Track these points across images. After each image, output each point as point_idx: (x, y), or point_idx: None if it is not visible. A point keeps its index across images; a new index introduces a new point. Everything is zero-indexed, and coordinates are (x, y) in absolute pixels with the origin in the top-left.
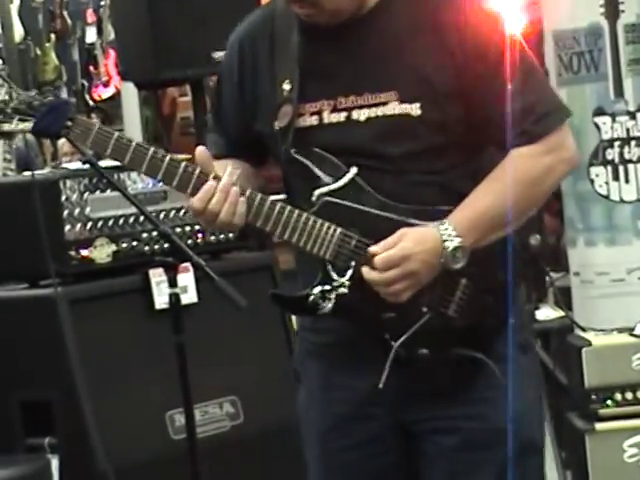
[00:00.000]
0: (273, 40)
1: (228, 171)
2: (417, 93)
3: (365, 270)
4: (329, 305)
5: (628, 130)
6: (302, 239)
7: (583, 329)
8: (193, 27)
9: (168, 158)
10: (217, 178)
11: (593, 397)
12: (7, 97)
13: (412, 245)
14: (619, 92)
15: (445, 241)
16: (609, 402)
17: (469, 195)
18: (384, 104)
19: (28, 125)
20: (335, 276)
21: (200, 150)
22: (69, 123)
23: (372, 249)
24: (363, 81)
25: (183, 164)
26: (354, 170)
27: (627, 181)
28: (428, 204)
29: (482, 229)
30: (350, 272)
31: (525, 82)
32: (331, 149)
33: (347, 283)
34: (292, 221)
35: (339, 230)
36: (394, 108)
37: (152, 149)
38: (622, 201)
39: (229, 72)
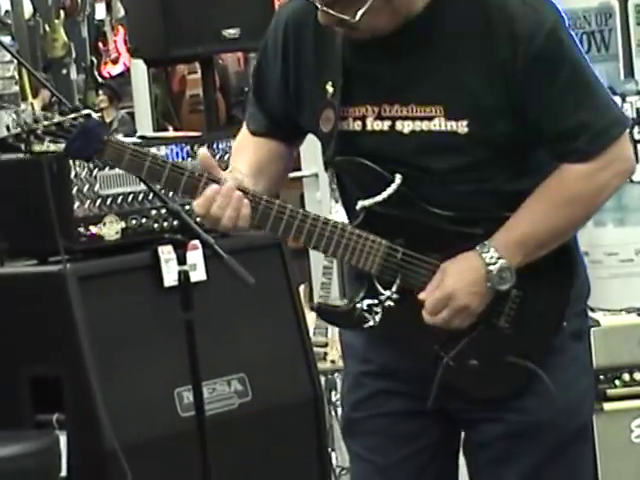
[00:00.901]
0: (317, 33)
1: (232, 175)
2: (465, 110)
3: (424, 314)
4: (376, 318)
5: (638, 110)
6: (340, 253)
7: (592, 309)
8: (203, 4)
9: (205, 177)
10: (219, 182)
11: (601, 377)
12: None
13: (454, 282)
14: (629, 72)
15: (489, 265)
16: (617, 382)
17: (515, 213)
18: (430, 119)
19: (59, 146)
20: (381, 289)
21: (203, 154)
22: (101, 146)
23: (421, 295)
24: (409, 91)
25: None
26: (398, 179)
27: (637, 161)
28: (478, 211)
29: (528, 249)
30: (396, 286)
31: (579, 95)
32: (371, 157)
33: (394, 297)
34: (320, 231)
35: (384, 243)
36: (440, 124)
37: (189, 170)
38: (631, 182)
39: (273, 54)
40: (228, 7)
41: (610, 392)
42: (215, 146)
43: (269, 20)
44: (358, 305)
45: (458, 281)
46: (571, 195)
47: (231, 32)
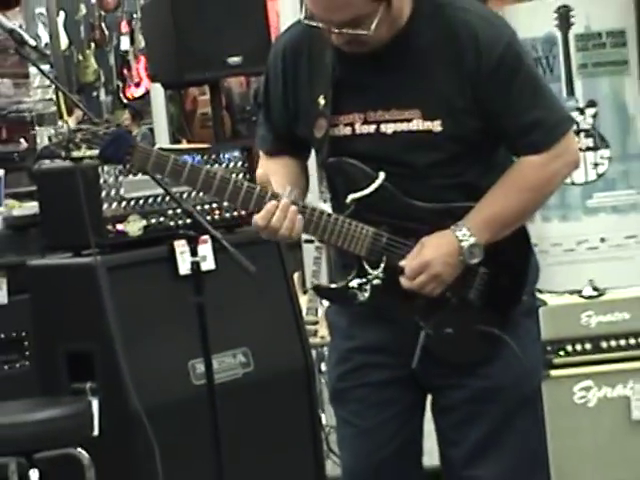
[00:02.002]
0: (310, 56)
1: (287, 190)
2: (438, 111)
3: (402, 280)
4: (366, 295)
5: (578, 124)
6: (340, 240)
7: (540, 291)
8: (211, 37)
9: (219, 175)
10: (276, 197)
11: (548, 348)
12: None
13: (431, 252)
14: (571, 91)
15: (461, 241)
16: (561, 353)
17: (483, 198)
18: (409, 120)
19: (94, 152)
20: (369, 270)
21: (260, 174)
22: (130, 150)
23: (401, 263)
24: (390, 98)
25: (246, 184)
26: (382, 176)
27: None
28: (449, 202)
29: (494, 227)
30: (382, 266)
31: (534, 98)
32: (362, 156)
33: (381, 275)
34: (331, 226)
35: (371, 230)
36: (418, 124)
37: (205, 168)
38: (573, 184)
39: (275, 77)
40: (232, 39)
41: (556, 361)
42: (222, 156)
43: (267, 49)
44: (350, 284)
45: (434, 252)
46: (529, 182)
47: (235, 60)
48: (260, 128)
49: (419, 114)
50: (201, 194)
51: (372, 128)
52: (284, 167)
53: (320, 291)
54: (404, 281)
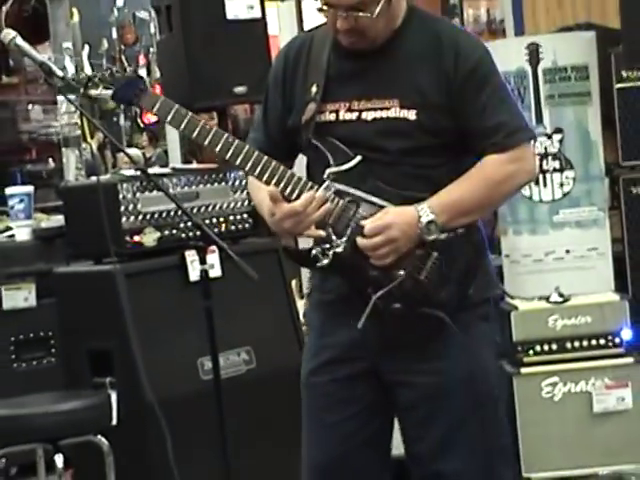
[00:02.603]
0: (309, 55)
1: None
2: (415, 102)
3: (358, 239)
4: (326, 260)
5: (546, 148)
6: None
7: (512, 297)
8: (219, 69)
9: (202, 122)
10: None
11: (519, 348)
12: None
13: (393, 217)
14: (539, 119)
15: (421, 216)
16: (531, 352)
17: (446, 187)
18: (387, 109)
19: (108, 92)
20: (334, 237)
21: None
22: (140, 93)
23: (364, 222)
24: (374, 89)
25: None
26: (358, 158)
27: (545, 186)
28: (414, 191)
29: (453, 212)
30: (346, 236)
31: (500, 105)
32: (343, 140)
33: (342, 244)
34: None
35: (342, 201)
36: (395, 112)
37: (196, 119)
38: (541, 201)
39: (274, 77)
40: (238, 71)
41: (525, 359)
42: (228, 175)
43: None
44: (315, 249)
45: (395, 218)
46: (487, 176)
47: (240, 89)
48: (252, 131)
49: (397, 103)
50: (208, 209)
51: (354, 115)
52: None
53: (288, 252)
54: (361, 240)
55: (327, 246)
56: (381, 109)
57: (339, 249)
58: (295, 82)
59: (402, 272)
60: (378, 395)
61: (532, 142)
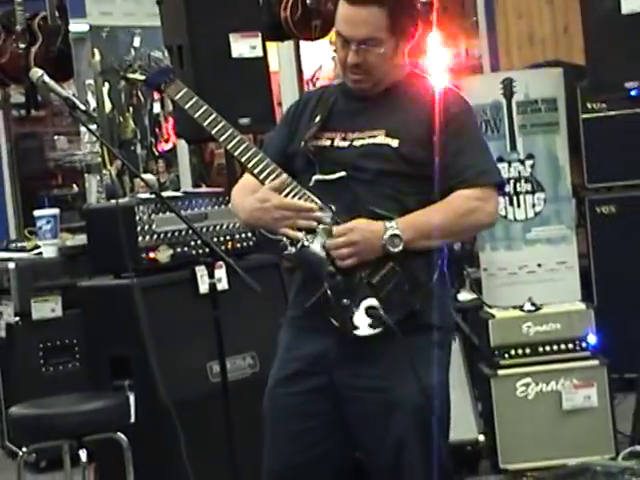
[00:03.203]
0: (320, 98)
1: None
2: (398, 133)
3: (326, 240)
4: (293, 250)
5: (519, 172)
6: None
7: (489, 306)
8: (225, 103)
9: (214, 115)
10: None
11: (496, 353)
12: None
13: (359, 224)
14: (513, 147)
15: (387, 229)
16: (506, 356)
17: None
18: (375, 136)
19: (141, 77)
20: (306, 236)
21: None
22: (168, 81)
23: (334, 227)
24: (366, 125)
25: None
26: (342, 173)
27: (519, 206)
28: (384, 210)
29: (417, 233)
30: (317, 233)
31: (476, 149)
32: (332, 161)
33: (310, 240)
34: (288, 189)
35: (319, 203)
36: (380, 139)
37: (205, 107)
38: (515, 220)
39: (287, 112)
40: (242, 104)
41: (502, 362)
42: None
43: (270, 112)
44: (283, 240)
45: (362, 225)
46: (453, 207)
47: (244, 121)
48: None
49: (384, 132)
50: (216, 229)
51: (347, 144)
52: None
53: (261, 242)
54: (327, 243)
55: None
56: (369, 137)
57: (307, 242)
58: (303, 116)
59: (358, 274)
60: (336, 412)
61: (499, 189)
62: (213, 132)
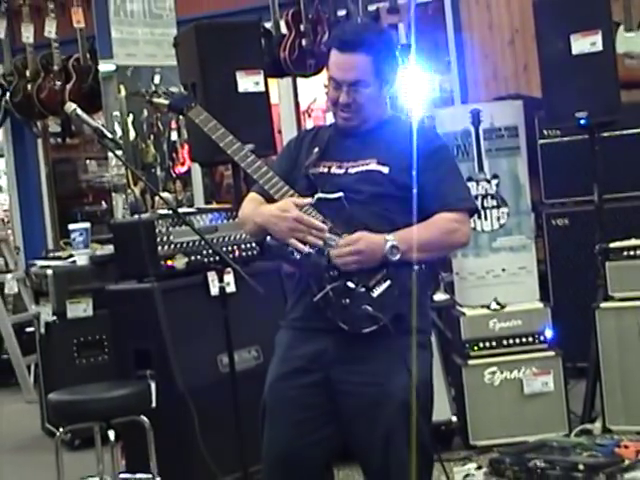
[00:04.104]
0: (316, 135)
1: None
2: (388, 161)
3: (332, 250)
4: (298, 256)
5: (486, 190)
6: None
7: (461, 305)
8: (232, 131)
9: (229, 137)
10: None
11: (466, 345)
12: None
13: (363, 235)
14: (480, 168)
15: (387, 240)
16: (475, 348)
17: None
18: (368, 164)
19: (165, 102)
20: (308, 246)
21: (245, 205)
22: (190, 105)
23: (339, 240)
24: (360, 155)
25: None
26: (341, 194)
27: (486, 219)
28: (378, 227)
29: (410, 245)
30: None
31: (454, 179)
32: (331, 184)
33: (314, 250)
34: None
35: (320, 217)
36: (373, 166)
37: (222, 130)
38: (483, 231)
39: (288, 146)
40: (246, 132)
41: (471, 354)
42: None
43: (271, 139)
44: (288, 247)
45: (366, 236)
46: (438, 225)
47: (249, 146)
48: (255, 185)
49: (375, 161)
50: (225, 239)
51: (342, 171)
52: (262, 202)
53: (269, 247)
54: (334, 252)
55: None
56: (362, 165)
57: (310, 250)
58: (301, 149)
59: (356, 279)
60: (332, 405)
61: (473, 214)
62: (229, 151)
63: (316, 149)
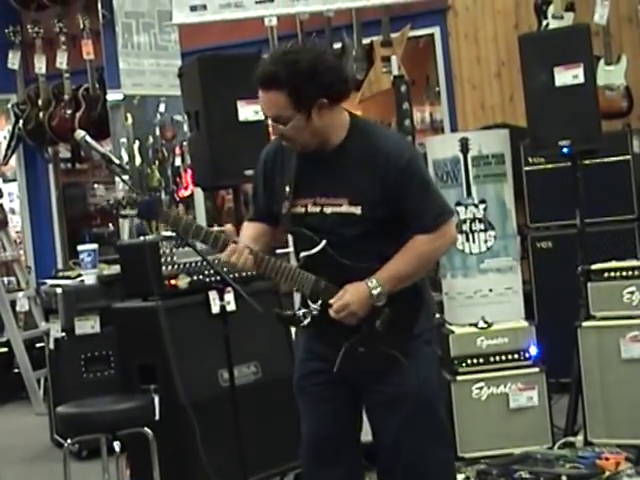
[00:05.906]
0: (282, 161)
1: (244, 240)
2: (359, 200)
3: (330, 312)
4: (307, 320)
5: (474, 214)
6: (289, 282)
7: (450, 324)
8: (233, 157)
9: (204, 230)
10: (236, 242)
11: (455, 362)
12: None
13: (350, 296)
14: (469, 193)
15: (371, 290)
16: (464, 364)
17: (389, 261)
18: (340, 205)
19: (134, 212)
20: (311, 304)
21: (228, 227)
22: (157, 210)
23: (330, 301)
24: (330, 190)
25: (214, 234)
26: (323, 243)
27: (474, 242)
28: (366, 262)
29: (393, 282)
30: (320, 302)
31: (425, 195)
32: (312, 228)
33: (318, 308)
34: (281, 270)
35: (313, 277)
36: (346, 208)
37: (194, 224)
38: (471, 253)
39: (258, 175)
40: (246, 157)
41: (460, 370)
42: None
43: None
44: (297, 312)
45: (353, 296)
46: (419, 253)
47: (249, 172)
48: (250, 206)
49: (347, 201)
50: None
51: (318, 209)
52: (254, 229)
53: (278, 317)
54: (332, 313)
55: (307, 310)
56: (335, 205)
57: (315, 312)
58: (274, 179)
59: (362, 324)
60: (350, 397)
61: (452, 218)
62: (207, 245)
63: (287, 187)
